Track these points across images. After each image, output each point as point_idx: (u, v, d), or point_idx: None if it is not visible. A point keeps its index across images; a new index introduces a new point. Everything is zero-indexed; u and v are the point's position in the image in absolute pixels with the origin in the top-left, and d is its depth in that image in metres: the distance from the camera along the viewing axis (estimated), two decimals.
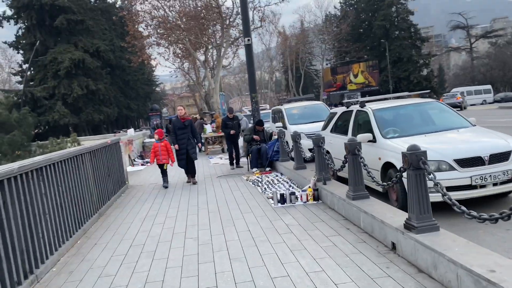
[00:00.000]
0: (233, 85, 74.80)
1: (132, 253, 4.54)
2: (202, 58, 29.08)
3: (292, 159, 9.24)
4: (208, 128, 16.69)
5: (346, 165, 5.39)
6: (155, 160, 8.74)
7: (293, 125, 11.85)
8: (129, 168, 13.10)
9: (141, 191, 8.60)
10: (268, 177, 8.50)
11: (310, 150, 10.52)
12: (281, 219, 5.29)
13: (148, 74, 54.33)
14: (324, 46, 52.01)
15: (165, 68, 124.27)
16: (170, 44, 26.57)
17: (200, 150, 17.12)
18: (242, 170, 10.02)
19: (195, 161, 8.89)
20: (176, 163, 8.93)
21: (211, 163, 12.35)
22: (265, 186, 7.56)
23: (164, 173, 8.82)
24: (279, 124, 12.49)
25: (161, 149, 8.65)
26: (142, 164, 14.29)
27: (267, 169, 9.34)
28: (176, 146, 8.59)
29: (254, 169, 9.41)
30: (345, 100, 7.87)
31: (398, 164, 5.39)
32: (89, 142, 12.69)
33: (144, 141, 17.89)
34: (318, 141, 6.30)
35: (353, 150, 4.93)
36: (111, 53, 40.36)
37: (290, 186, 7.33)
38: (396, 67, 49.86)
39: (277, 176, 8.58)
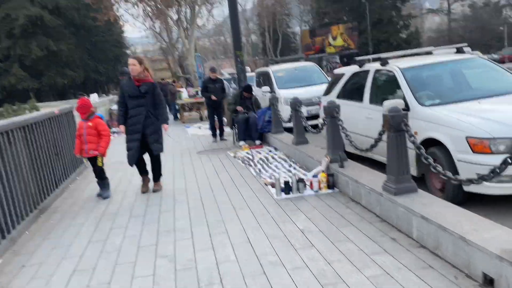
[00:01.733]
0: (208, 48, 71.52)
1: (74, 287, 2.98)
2: (174, 17, 26.64)
3: (287, 130, 7.74)
4: (184, 93, 14.87)
5: (379, 144, 3.93)
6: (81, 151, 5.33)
7: (282, 90, 10.28)
8: None
9: None
10: (260, 153, 6.97)
11: None
12: (291, 221, 3.81)
13: (117, 35, 50.77)
14: (302, 6, 49.57)
15: (135, 29, 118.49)
16: (139, 1, 24.00)
17: (175, 118, 15.51)
18: (227, 144, 8.43)
19: (161, 155, 5.44)
20: (124, 155, 5.31)
21: (189, 134, 10.70)
22: (259, 166, 6.04)
23: (100, 173, 5.30)
24: (266, 88, 10.88)
25: (86, 132, 5.19)
26: None
27: (257, 142, 7.79)
28: (122, 127, 5.24)
29: (242, 143, 7.85)
30: (358, 58, 6.30)
31: (448, 141, 3.95)
32: (50, 109, 10.73)
33: (112, 108, 15.93)
34: (332, 110, 4.77)
35: (397, 125, 3.42)
36: (75, 11, 36.81)
37: (290, 166, 5.84)
38: (376, 29, 48.31)
39: (270, 151, 7.05)
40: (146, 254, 3.40)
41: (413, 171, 4.59)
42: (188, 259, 3.21)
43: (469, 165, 3.71)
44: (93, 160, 5.30)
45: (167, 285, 2.85)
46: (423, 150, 3.22)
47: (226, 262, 3.11)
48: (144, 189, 5.34)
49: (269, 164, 6.07)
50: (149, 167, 5.43)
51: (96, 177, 5.36)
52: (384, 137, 3.74)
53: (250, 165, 6.15)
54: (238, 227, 3.78)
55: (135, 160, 5.21)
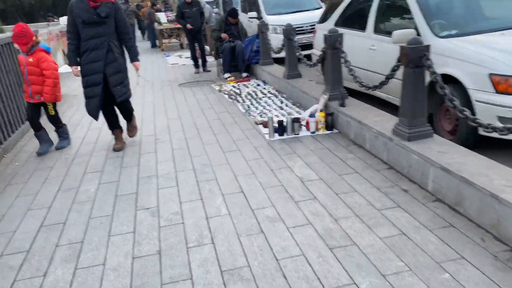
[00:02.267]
0: None
1: (40, 249, 2.56)
2: None
3: (276, 61, 7.13)
4: (163, 17, 13.70)
5: (390, 81, 3.45)
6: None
7: (271, 16, 9.39)
8: (63, 69, 10.38)
9: (75, 105, 6.29)
10: (247, 87, 6.41)
11: None
12: (288, 167, 3.41)
13: None
14: None
15: None
16: None
17: (153, 45, 14.43)
18: (211, 76, 7.78)
19: (131, 102, 4.26)
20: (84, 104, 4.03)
21: (169, 63, 9.91)
22: (248, 102, 5.52)
23: (54, 122, 4.36)
24: (253, 14, 9.97)
25: (28, 71, 4.03)
26: None
27: (244, 75, 7.18)
28: (74, 69, 3.90)
29: (227, 75, 7.21)
30: None
31: (466, 79, 3.49)
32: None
33: None
34: (334, 40, 4.19)
35: (417, 59, 2.93)
36: None
37: (282, 102, 5.34)
38: None
39: (259, 85, 6.49)
40: (124, 205, 2.98)
41: None
42: (173, 212, 2.81)
43: (490, 106, 3.29)
44: (36, 107, 4.18)
45: (150, 245, 2.46)
46: (447, 90, 2.76)
47: (217, 216, 2.72)
48: (118, 146, 4.14)
49: (259, 100, 5.55)
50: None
51: (52, 125, 4.40)
52: (398, 73, 3.27)
53: (238, 101, 5.62)
54: (229, 174, 3.36)
55: (98, 111, 3.97)
